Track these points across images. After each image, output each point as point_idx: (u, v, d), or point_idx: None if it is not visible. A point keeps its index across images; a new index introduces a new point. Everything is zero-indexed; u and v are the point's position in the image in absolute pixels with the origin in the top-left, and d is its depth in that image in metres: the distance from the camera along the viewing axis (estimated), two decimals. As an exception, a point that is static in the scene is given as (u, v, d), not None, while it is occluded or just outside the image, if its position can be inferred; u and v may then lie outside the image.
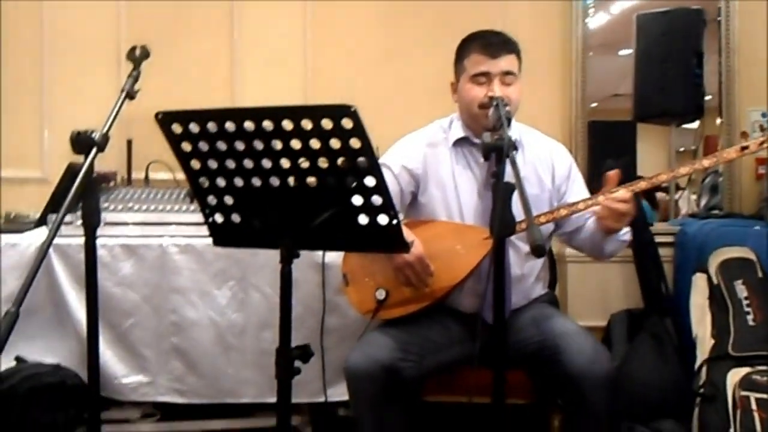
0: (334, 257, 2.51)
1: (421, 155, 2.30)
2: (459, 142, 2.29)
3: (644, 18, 3.62)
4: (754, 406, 2.52)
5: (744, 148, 2.01)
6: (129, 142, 3.12)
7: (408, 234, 2.11)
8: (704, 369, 2.74)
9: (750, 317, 2.80)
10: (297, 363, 1.75)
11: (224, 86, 3.42)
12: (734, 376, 2.63)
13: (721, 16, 3.57)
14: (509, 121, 1.88)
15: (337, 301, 2.57)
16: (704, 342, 2.83)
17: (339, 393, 2.52)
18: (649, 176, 2.11)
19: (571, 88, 3.54)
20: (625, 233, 2.22)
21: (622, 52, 3.64)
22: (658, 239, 3.31)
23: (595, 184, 2.29)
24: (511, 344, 2.17)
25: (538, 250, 1.49)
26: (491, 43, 2.19)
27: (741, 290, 2.87)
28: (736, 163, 3.53)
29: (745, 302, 2.84)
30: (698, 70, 3.60)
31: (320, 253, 2.63)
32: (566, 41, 3.53)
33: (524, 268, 2.27)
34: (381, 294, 2.16)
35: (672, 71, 3.55)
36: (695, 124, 3.74)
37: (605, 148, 3.62)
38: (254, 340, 2.66)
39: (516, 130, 2.29)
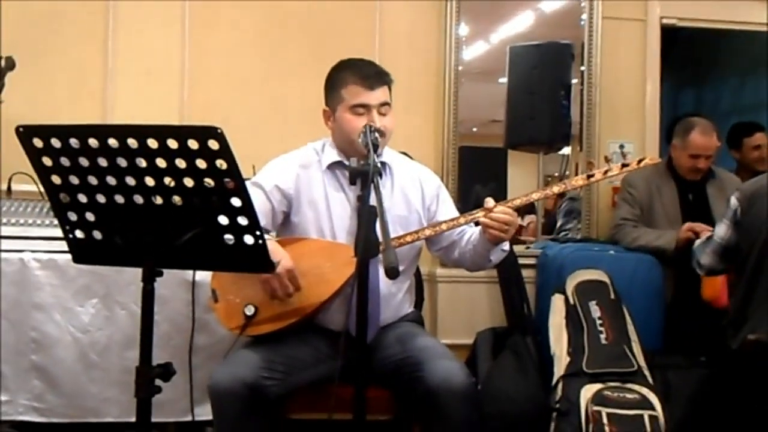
0: (204, 275, 2.49)
1: (294, 176, 2.34)
2: (333, 166, 2.34)
3: (517, 50, 3.78)
4: (605, 420, 2.68)
5: (590, 176, 2.16)
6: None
7: (278, 249, 2.14)
8: (560, 385, 2.89)
9: (603, 336, 2.98)
10: (158, 381, 1.75)
11: (96, 98, 3.34)
12: (587, 392, 2.79)
13: (583, 51, 3.78)
14: (376, 147, 1.94)
15: (207, 319, 2.56)
16: (561, 359, 2.98)
17: (207, 412, 2.49)
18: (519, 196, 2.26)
19: (443, 115, 3.64)
20: (507, 243, 2.33)
21: (502, 80, 3.78)
22: (521, 261, 3.48)
23: (464, 208, 2.40)
24: (377, 361, 2.24)
25: (391, 272, 1.57)
26: (368, 75, 2.26)
27: (595, 311, 3.05)
28: (594, 191, 3.77)
29: (598, 322, 3.01)
30: (565, 102, 3.80)
31: (190, 270, 2.62)
32: (440, 69, 3.65)
33: (392, 286, 2.33)
34: (249, 310, 2.17)
35: (541, 101, 3.74)
36: (565, 151, 3.94)
37: (476, 174, 3.77)
38: (118, 358, 2.61)
39: (387, 156, 2.37)
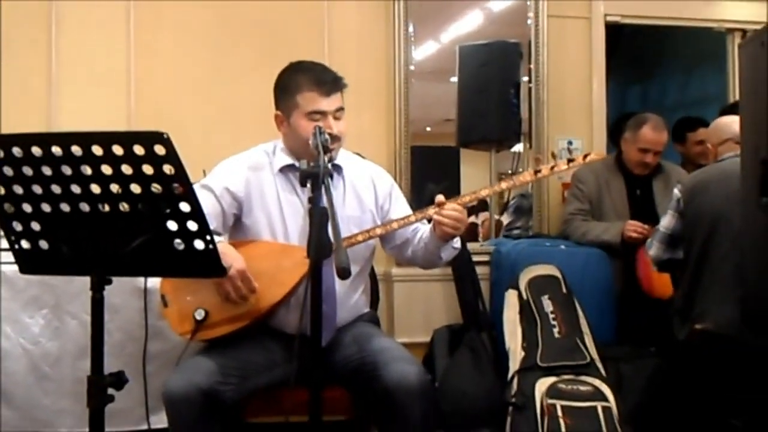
0: (156, 281, 2.46)
1: (244, 178, 2.32)
2: (284, 169, 2.33)
3: (466, 49, 3.82)
4: (560, 413, 2.73)
5: (537, 172, 2.19)
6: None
7: (231, 251, 2.13)
8: (515, 379, 2.93)
9: (556, 330, 3.03)
10: (111, 391, 1.73)
11: (40, 106, 3.28)
12: (542, 385, 2.83)
13: (530, 50, 3.83)
14: (327, 149, 1.94)
15: (161, 326, 2.52)
16: (515, 354, 3.03)
17: (163, 420, 2.46)
18: (469, 193, 2.29)
19: (394, 115, 3.66)
20: (458, 240, 2.35)
21: (453, 79, 3.80)
22: (475, 258, 3.52)
23: (417, 207, 2.41)
24: (335, 362, 2.24)
25: (342, 272, 1.58)
26: (325, 81, 2.25)
27: (548, 305, 3.10)
28: (545, 187, 3.82)
29: (551, 316, 3.07)
30: (515, 100, 3.86)
31: (142, 278, 2.59)
32: (389, 69, 3.66)
33: (348, 287, 2.34)
34: (200, 314, 2.15)
35: (491, 100, 3.78)
36: (517, 148, 3.98)
37: (429, 173, 3.79)
38: (71, 369, 2.57)
39: (340, 157, 2.37)
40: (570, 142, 3.85)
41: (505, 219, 4.06)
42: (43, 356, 2.58)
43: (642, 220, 3.33)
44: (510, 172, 4.06)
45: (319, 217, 1.74)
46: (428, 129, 4.00)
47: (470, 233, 4.05)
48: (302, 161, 1.84)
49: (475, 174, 4.09)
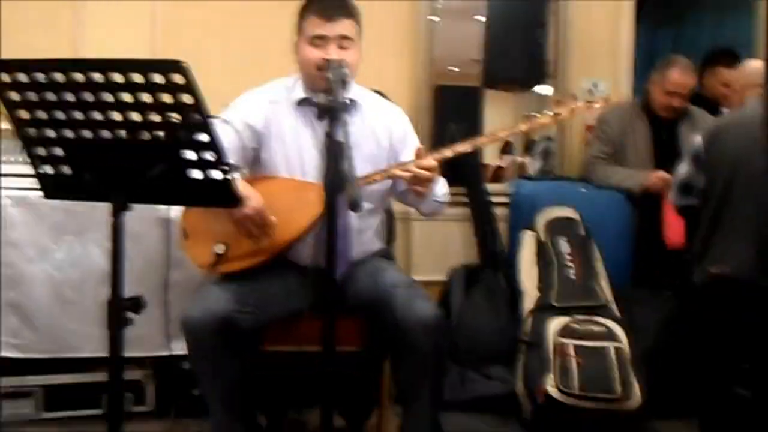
0: (179, 212, 2.51)
1: (264, 112, 2.33)
2: (301, 102, 2.33)
3: (493, -12, 3.77)
4: (572, 352, 2.77)
5: (557, 115, 2.18)
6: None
7: (247, 189, 2.15)
8: (529, 319, 2.97)
9: (572, 272, 3.05)
10: (130, 314, 1.78)
11: (67, 34, 3.29)
12: (555, 324, 2.87)
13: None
14: (344, 83, 1.94)
15: (182, 255, 2.56)
16: (530, 294, 3.06)
17: (183, 346, 2.54)
18: (456, 143, 2.27)
19: (417, 53, 3.63)
20: (442, 195, 2.36)
21: (481, 18, 3.74)
22: (496, 199, 3.53)
23: (437, 146, 2.40)
24: (349, 296, 2.28)
25: (354, 205, 1.60)
26: (328, 6, 2.24)
27: (564, 247, 3.11)
28: (567, 130, 3.79)
29: (567, 258, 3.08)
30: (541, 40, 3.81)
31: (165, 207, 2.64)
32: (414, 6, 3.61)
33: (363, 224, 2.36)
34: (220, 248, 2.19)
35: (517, 40, 3.74)
36: (542, 90, 3.94)
37: (452, 113, 3.76)
38: (93, 294, 2.63)
39: (356, 93, 2.36)
40: (595, 84, 3.80)
41: (532, 162, 4.05)
42: (67, 282, 2.65)
43: (666, 165, 3.29)
44: (533, 114, 4.02)
45: (335, 151, 1.76)
46: (454, 69, 3.96)
47: (497, 175, 4.06)
48: (319, 95, 1.84)
49: (499, 115, 4.06)
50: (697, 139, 2.81)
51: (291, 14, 2.38)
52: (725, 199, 2.67)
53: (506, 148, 4.24)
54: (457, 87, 3.91)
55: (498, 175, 4.12)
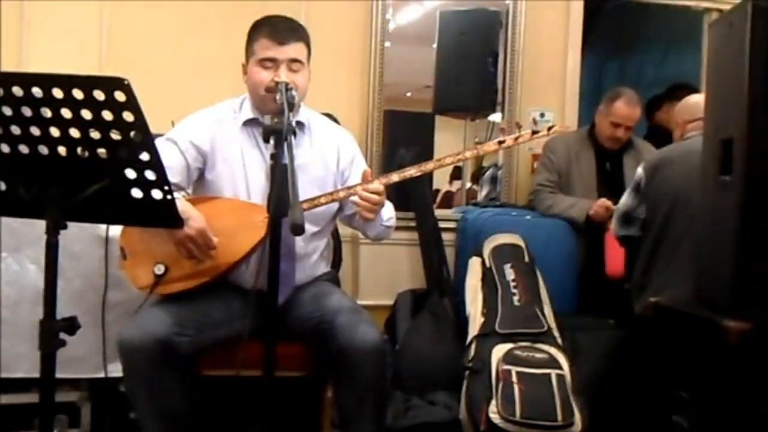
0: (118, 231, 2.47)
1: (210, 132, 2.31)
2: (248, 123, 2.33)
3: (446, 15, 3.81)
4: (514, 379, 2.77)
5: (501, 142, 2.20)
6: None
7: (189, 209, 2.12)
8: (474, 345, 2.97)
9: (516, 298, 3.07)
10: (64, 335, 1.73)
11: (11, 50, 3.23)
12: (498, 351, 2.87)
13: (508, 19, 3.83)
14: (292, 106, 1.94)
15: (121, 275, 2.51)
16: (475, 320, 3.06)
17: (119, 369, 2.49)
18: (404, 168, 2.27)
19: (369, 78, 3.65)
20: (389, 219, 2.36)
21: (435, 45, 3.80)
22: (443, 225, 3.55)
23: (387, 171, 2.40)
24: (292, 320, 2.26)
25: (296, 229, 1.59)
26: (279, 30, 2.25)
27: (509, 273, 3.13)
28: (514, 157, 3.85)
29: (512, 284, 3.10)
30: (492, 69, 3.86)
31: (104, 226, 2.58)
32: (367, 30, 3.64)
33: (308, 247, 2.35)
34: (159, 269, 2.15)
35: (469, 68, 3.78)
36: (493, 117, 3.99)
37: (402, 138, 3.78)
38: (29, 313, 2.54)
39: (305, 115, 2.36)
40: (542, 114, 3.87)
41: (480, 189, 4.08)
42: (2, 300, 2.57)
43: (610, 195, 3.36)
44: (480, 141, 4.07)
45: (281, 174, 1.74)
46: (408, 94, 3.99)
47: (446, 200, 4.08)
48: (266, 116, 1.83)
49: (450, 141, 4.10)
50: (639, 171, 2.87)
51: (240, 31, 2.38)
52: (665, 230, 2.73)
53: (456, 174, 4.27)
54: (408, 112, 3.95)
55: (447, 200, 4.15)
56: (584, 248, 3.45)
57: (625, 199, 2.93)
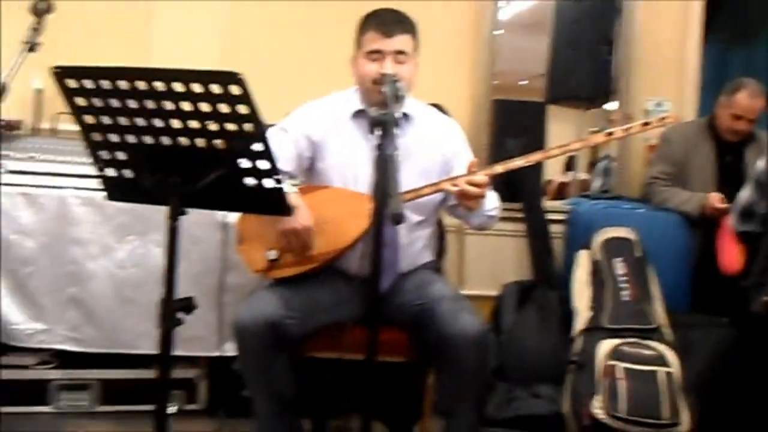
0: (236, 216, 2.58)
1: (321, 123, 2.39)
2: (357, 114, 2.38)
3: (560, 4, 3.76)
4: (620, 375, 2.73)
5: (610, 134, 2.16)
6: (38, 92, 3.13)
7: (300, 204, 2.20)
8: (579, 339, 2.94)
9: (625, 293, 3.01)
10: (181, 315, 1.84)
11: (136, 42, 3.41)
12: (605, 346, 2.83)
13: (624, 6, 3.72)
14: (398, 98, 1.97)
15: (238, 259, 2.65)
16: (581, 314, 3.03)
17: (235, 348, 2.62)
18: (507, 161, 2.27)
19: (478, 67, 3.63)
20: (492, 210, 2.36)
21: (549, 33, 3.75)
22: (553, 216, 3.50)
23: (495, 162, 2.39)
24: (395, 307, 2.30)
25: (395, 219, 1.63)
26: (386, 22, 2.29)
27: (619, 268, 3.07)
28: (629, 148, 3.74)
29: (622, 279, 3.04)
30: (608, 57, 3.78)
31: (222, 212, 2.72)
32: (477, 20, 3.62)
33: (412, 236, 2.39)
34: (272, 254, 2.25)
35: (582, 56, 3.71)
36: (609, 107, 3.90)
37: (512, 128, 3.76)
38: (152, 294, 2.67)
39: (411, 107, 2.39)
40: (659, 104, 3.75)
41: (594, 180, 4.00)
42: (127, 280, 2.75)
43: (729, 189, 3.22)
44: (595, 131, 3.98)
45: (384, 165, 1.79)
46: (521, 83, 3.95)
47: (559, 191, 4.03)
48: (373, 108, 1.88)
49: (564, 131, 4.02)
50: (761, 164, 2.75)
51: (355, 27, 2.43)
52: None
53: (570, 165, 4.20)
54: (518, 102, 3.91)
55: (560, 191, 4.09)
56: (699, 244, 3.33)
57: (745, 193, 2.81)
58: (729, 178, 3.36)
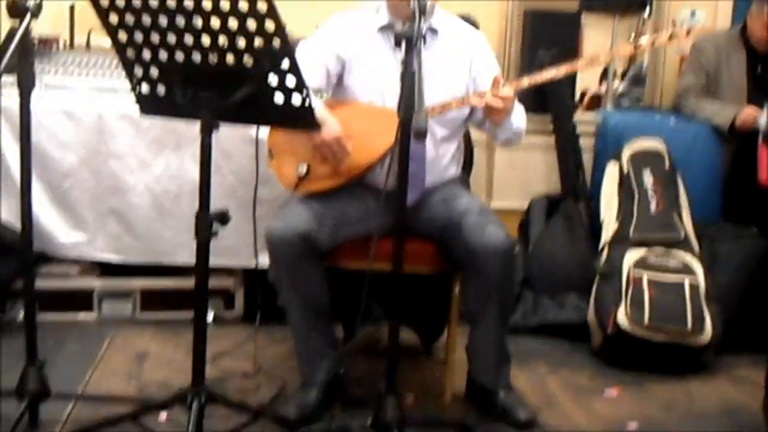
0: (267, 132, 2.63)
1: (349, 37, 2.38)
2: (384, 28, 2.37)
3: None
4: (645, 285, 2.79)
5: (637, 46, 2.14)
6: (71, 8, 3.15)
7: (328, 116, 2.23)
8: (606, 250, 2.99)
9: (653, 204, 3.03)
10: (216, 226, 1.92)
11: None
12: (631, 257, 2.89)
13: None
14: (424, 11, 1.96)
15: (270, 173, 2.70)
16: (609, 225, 3.07)
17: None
18: (534, 74, 2.27)
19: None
20: (518, 124, 2.37)
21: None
22: (583, 128, 3.49)
23: (527, 73, 2.38)
24: (423, 220, 2.36)
25: (418, 134, 1.67)
26: None
27: (648, 180, 3.09)
28: (660, 59, 3.68)
29: (650, 191, 3.06)
30: (644, -36, 3.67)
31: (254, 127, 2.76)
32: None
33: (438, 150, 2.41)
34: (302, 168, 2.30)
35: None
36: (645, 14, 3.81)
37: (545, 38, 3.68)
38: (188, 206, 2.77)
39: (439, 20, 2.38)
40: (693, 12, 3.66)
41: (626, 91, 3.95)
42: (164, 193, 2.82)
43: (761, 99, 3.18)
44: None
45: (409, 80, 1.81)
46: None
47: (593, 103, 3.98)
48: (399, 22, 1.88)
49: (599, 40, 3.95)
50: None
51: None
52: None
53: (605, 75, 4.14)
54: (550, 12, 3.83)
55: (595, 102, 4.03)
56: (731, 155, 3.31)
57: None
58: (761, 89, 3.31)
